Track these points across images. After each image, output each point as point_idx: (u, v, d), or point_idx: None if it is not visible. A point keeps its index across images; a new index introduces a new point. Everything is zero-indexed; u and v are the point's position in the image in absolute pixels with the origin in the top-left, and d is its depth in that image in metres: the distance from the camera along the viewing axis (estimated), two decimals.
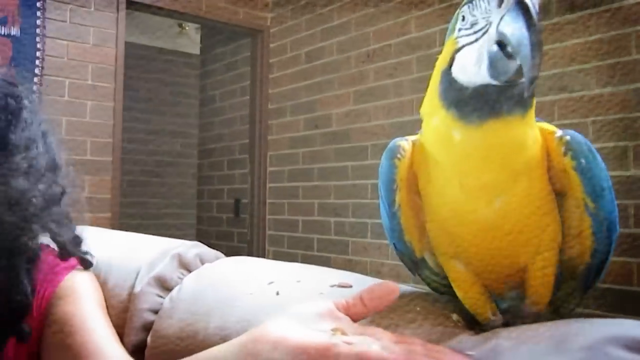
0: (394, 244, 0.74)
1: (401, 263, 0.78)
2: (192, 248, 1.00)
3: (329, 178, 3.36)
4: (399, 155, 0.68)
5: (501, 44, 0.55)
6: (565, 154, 0.63)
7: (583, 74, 2.30)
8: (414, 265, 0.77)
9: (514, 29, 0.54)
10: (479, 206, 0.63)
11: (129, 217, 4.42)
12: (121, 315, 0.91)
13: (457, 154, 0.62)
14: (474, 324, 0.67)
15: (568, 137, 0.63)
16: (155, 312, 0.90)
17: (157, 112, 5.17)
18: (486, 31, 0.57)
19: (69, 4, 3.14)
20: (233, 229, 4.04)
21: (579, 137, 0.64)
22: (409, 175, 0.70)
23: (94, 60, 3.22)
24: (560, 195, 0.67)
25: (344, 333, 0.51)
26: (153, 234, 1.19)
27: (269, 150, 3.77)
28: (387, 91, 3.07)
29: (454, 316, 0.69)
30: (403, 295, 0.71)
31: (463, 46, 0.60)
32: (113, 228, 2.91)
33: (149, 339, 0.87)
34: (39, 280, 0.80)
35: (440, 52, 0.63)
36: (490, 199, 0.62)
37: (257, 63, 3.80)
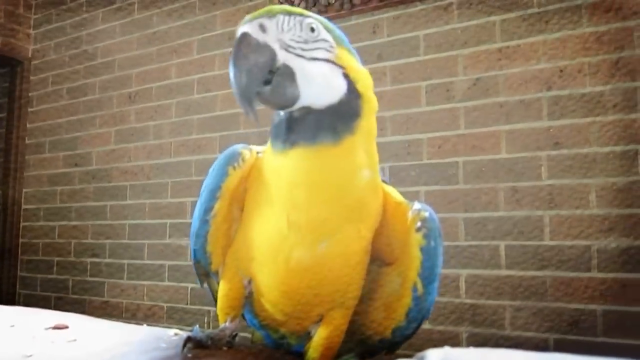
0: (194, 249, 0.69)
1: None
2: None
3: (87, 218, 3.28)
4: (235, 164, 0.61)
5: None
6: (418, 230, 0.60)
7: None
8: (205, 277, 0.72)
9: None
10: (301, 247, 0.58)
11: None
12: None
13: (284, 181, 0.58)
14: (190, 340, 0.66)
15: (427, 215, 0.61)
16: None
17: None
18: None
19: None
20: None
21: (435, 216, 0.62)
22: (240, 186, 0.63)
23: None
24: (384, 264, 0.65)
25: None
26: None
27: (24, 187, 3.56)
28: (148, 133, 3.12)
29: (173, 331, 0.71)
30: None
31: None
32: None
33: None
34: None
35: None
36: (315, 241, 0.58)
37: (16, 95, 3.59)
